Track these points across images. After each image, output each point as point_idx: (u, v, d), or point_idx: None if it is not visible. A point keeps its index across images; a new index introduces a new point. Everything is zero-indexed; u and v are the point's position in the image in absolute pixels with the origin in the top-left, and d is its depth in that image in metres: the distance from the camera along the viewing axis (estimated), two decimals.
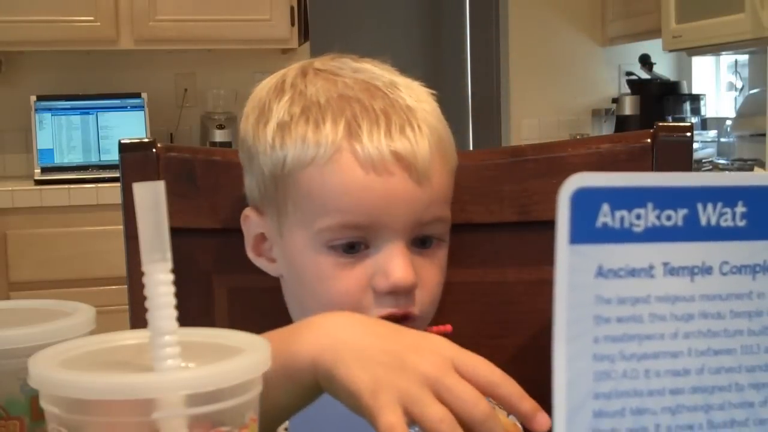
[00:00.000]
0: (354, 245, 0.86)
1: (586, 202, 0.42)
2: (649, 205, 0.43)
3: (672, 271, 0.44)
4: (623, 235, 0.43)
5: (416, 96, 0.89)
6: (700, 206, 0.44)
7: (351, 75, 0.90)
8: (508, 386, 0.62)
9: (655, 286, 0.43)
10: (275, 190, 0.88)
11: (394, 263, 0.84)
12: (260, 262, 0.93)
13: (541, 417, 0.61)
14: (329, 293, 0.86)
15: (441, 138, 0.88)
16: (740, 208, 0.44)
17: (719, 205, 0.44)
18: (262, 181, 0.89)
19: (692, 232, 0.44)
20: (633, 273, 0.43)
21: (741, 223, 0.44)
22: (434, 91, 0.92)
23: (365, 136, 0.84)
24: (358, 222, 0.84)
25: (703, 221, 0.44)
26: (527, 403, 0.62)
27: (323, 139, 0.85)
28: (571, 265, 0.42)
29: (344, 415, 0.85)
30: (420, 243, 0.88)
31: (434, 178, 0.86)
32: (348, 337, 0.66)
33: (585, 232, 0.42)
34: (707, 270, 0.44)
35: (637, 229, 0.43)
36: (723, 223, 0.44)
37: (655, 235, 0.43)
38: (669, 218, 0.43)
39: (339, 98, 0.87)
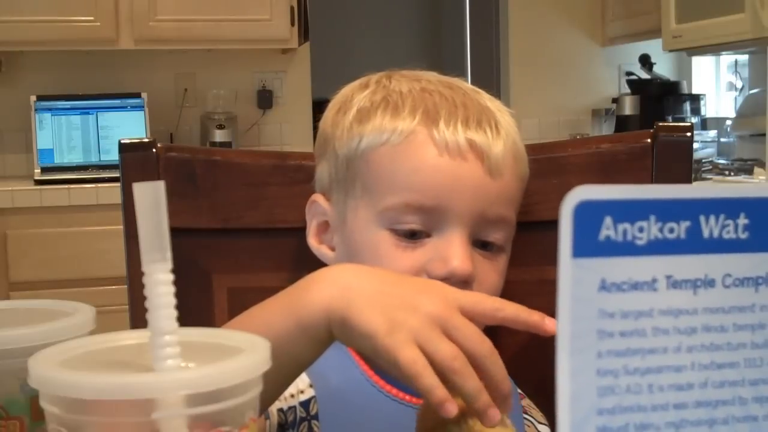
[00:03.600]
0: (416, 233, 0.86)
1: (588, 215, 0.42)
2: (652, 218, 0.43)
3: (675, 284, 0.43)
4: (626, 249, 0.42)
5: (497, 106, 0.92)
6: (702, 218, 0.43)
7: (435, 78, 0.93)
8: (512, 307, 0.66)
9: (658, 300, 0.43)
10: (346, 172, 0.89)
11: (454, 250, 0.84)
12: (320, 251, 0.93)
13: (550, 321, 0.65)
14: None
15: (516, 146, 0.90)
16: (742, 220, 0.44)
17: (722, 217, 0.43)
18: (335, 164, 0.91)
19: (695, 244, 0.43)
20: (636, 286, 0.43)
21: (743, 236, 0.44)
22: (513, 111, 0.95)
23: (442, 121, 0.86)
24: (424, 203, 0.85)
25: (706, 233, 0.43)
26: (535, 315, 0.66)
27: (400, 123, 0.87)
28: (574, 278, 0.42)
29: (373, 395, 0.86)
30: (481, 245, 0.88)
31: (505, 175, 0.87)
32: (357, 283, 0.68)
33: (588, 245, 0.42)
34: (710, 283, 0.44)
35: (639, 242, 0.43)
36: (725, 236, 0.44)
37: (657, 247, 0.43)
38: (672, 231, 0.43)
39: (421, 90, 0.89)
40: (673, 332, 0.44)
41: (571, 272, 0.42)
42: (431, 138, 0.86)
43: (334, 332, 0.67)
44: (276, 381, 0.71)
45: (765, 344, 0.45)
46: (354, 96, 0.91)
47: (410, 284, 0.69)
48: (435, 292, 0.67)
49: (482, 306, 0.66)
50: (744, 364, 0.45)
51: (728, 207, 0.44)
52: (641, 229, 0.43)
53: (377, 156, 0.87)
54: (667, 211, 0.43)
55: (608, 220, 0.42)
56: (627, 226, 0.42)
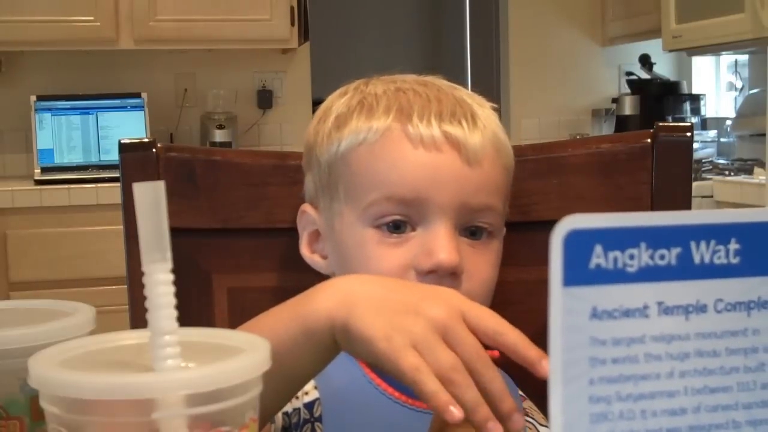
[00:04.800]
0: (399, 225, 0.86)
1: (578, 244, 0.42)
2: (642, 245, 0.43)
3: (666, 310, 0.44)
4: (617, 276, 0.43)
5: (477, 101, 0.92)
6: (693, 244, 0.43)
7: (411, 78, 0.93)
8: (514, 335, 0.63)
9: (649, 326, 0.43)
10: (329, 177, 0.90)
11: (439, 242, 0.84)
12: (313, 260, 0.93)
13: (546, 363, 0.62)
14: (370, 272, 0.85)
15: (497, 137, 0.90)
16: (733, 245, 0.44)
17: (712, 242, 0.44)
18: (318, 172, 0.91)
19: (686, 270, 0.44)
20: (627, 313, 0.43)
21: (734, 260, 0.44)
22: (496, 105, 0.95)
23: (416, 116, 0.87)
24: (405, 196, 0.85)
25: (697, 259, 0.44)
26: (533, 351, 0.62)
27: (375, 122, 0.87)
28: (566, 307, 0.42)
29: (375, 397, 0.86)
30: (470, 234, 0.88)
31: (485, 164, 0.87)
32: (361, 290, 0.67)
33: (579, 274, 0.42)
34: (702, 308, 0.44)
35: (630, 270, 0.43)
36: (716, 261, 0.44)
37: (648, 274, 0.43)
38: (662, 257, 0.43)
39: (395, 90, 0.90)
40: (666, 358, 0.44)
41: (562, 301, 0.42)
42: (405, 133, 0.86)
43: (337, 339, 0.66)
44: (284, 390, 0.71)
45: (758, 368, 0.45)
46: (333, 104, 0.92)
47: (415, 291, 0.68)
48: (439, 298, 0.66)
49: (484, 323, 0.64)
50: (737, 388, 0.45)
51: (719, 232, 0.44)
52: (632, 257, 0.43)
53: (356, 157, 0.87)
54: (657, 238, 0.43)
55: (598, 249, 0.42)
56: (617, 253, 0.42)
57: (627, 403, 0.43)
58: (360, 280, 0.71)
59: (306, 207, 0.94)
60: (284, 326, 0.68)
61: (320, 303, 0.67)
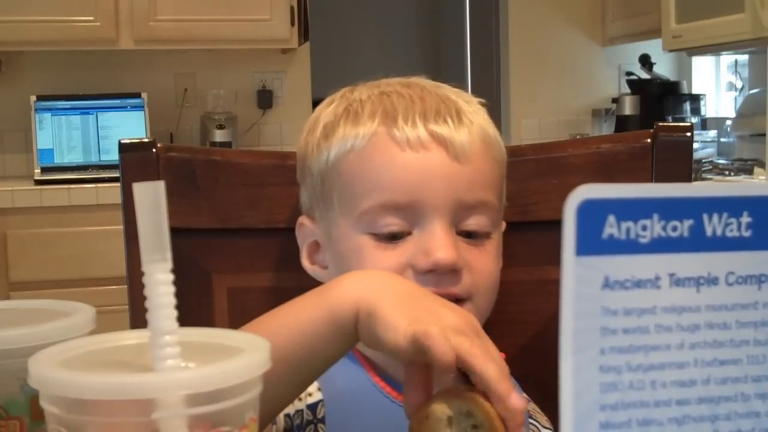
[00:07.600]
0: (396, 235, 0.86)
1: (592, 213, 0.42)
2: (655, 216, 0.43)
3: (678, 281, 0.44)
4: (629, 247, 0.43)
5: (464, 98, 0.92)
6: (705, 217, 0.44)
7: (395, 81, 0.93)
8: (503, 384, 0.62)
9: (661, 297, 0.44)
10: (322, 187, 0.90)
11: (436, 241, 0.84)
12: (314, 271, 0.93)
13: (515, 398, 0.62)
14: None
15: (485, 131, 0.90)
16: (745, 219, 0.44)
17: (725, 215, 0.44)
18: (311, 183, 0.92)
19: (698, 242, 0.44)
20: (639, 284, 0.43)
21: (746, 234, 0.44)
22: (483, 100, 0.94)
23: (400, 118, 0.87)
24: (398, 201, 0.85)
25: (709, 232, 0.44)
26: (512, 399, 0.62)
27: (361, 128, 0.88)
28: (578, 276, 0.42)
29: (379, 400, 0.86)
30: (465, 235, 0.87)
31: (475, 160, 0.87)
32: (388, 284, 0.69)
33: (591, 243, 0.42)
34: (713, 280, 0.44)
35: (643, 240, 0.43)
36: (728, 234, 0.44)
37: (661, 246, 0.43)
38: (675, 229, 0.43)
39: (379, 94, 0.90)
40: (676, 329, 0.44)
41: (575, 270, 0.42)
42: (391, 136, 0.86)
43: (358, 326, 0.67)
44: (300, 377, 0.71)
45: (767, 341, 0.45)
46: (321, 114, 0.93)
47: (433, 299, 0.69)
48: (459, 312, 0.67)
49: (485, 352, 0.64)
50: (747, 360, 0.45)
51: (731, 205, 0.44)
52: (644, 228, 0.43)
53: (346, 164, 0.88)
54: (670, 209, 0.43)
55: (611, 219, 0.42)
56: (630, 224, 0.43)
57: (637, 374, 0.44)
58: (385, 274, 0.73)
59: (303, 219, 0.94)
60: (308, 312, 0.69)
61: (346, 290, 0.69)
